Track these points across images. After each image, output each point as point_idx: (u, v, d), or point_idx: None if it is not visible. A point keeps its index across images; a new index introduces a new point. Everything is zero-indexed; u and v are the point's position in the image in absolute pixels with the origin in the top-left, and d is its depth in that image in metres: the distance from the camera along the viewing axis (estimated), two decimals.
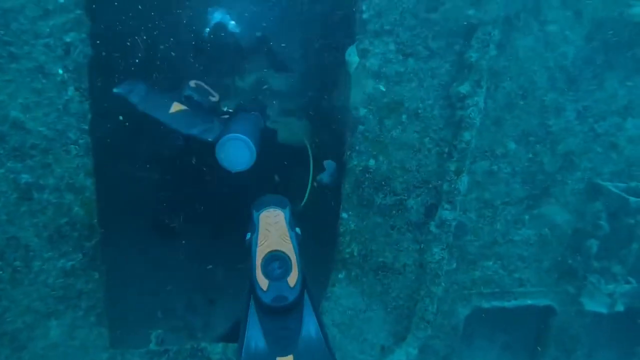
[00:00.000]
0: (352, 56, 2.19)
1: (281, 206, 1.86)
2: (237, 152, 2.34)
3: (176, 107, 2.56)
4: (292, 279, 1.73)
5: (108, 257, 2.46)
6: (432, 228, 2.44)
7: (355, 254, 2.59)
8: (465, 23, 2.14)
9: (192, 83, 2.78)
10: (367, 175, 2.41)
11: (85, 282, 2.29)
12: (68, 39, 1.98)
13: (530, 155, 2.48)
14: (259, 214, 1.83)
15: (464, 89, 2.17)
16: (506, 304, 2.76)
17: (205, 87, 2.85)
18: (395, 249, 2.59)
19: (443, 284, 2.54)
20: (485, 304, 2.75)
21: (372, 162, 2.38)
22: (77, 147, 2.11)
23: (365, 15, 2.13)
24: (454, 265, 2.62)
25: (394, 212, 2.50)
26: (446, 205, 2.38)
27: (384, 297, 2.65)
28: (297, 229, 1.84)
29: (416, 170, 2.42)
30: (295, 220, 1.87)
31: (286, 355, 1.67)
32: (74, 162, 2.12)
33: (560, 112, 2.41)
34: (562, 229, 2.65)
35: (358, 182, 2.42)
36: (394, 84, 2.24)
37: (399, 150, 2.37)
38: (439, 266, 2.50)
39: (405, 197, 2.47)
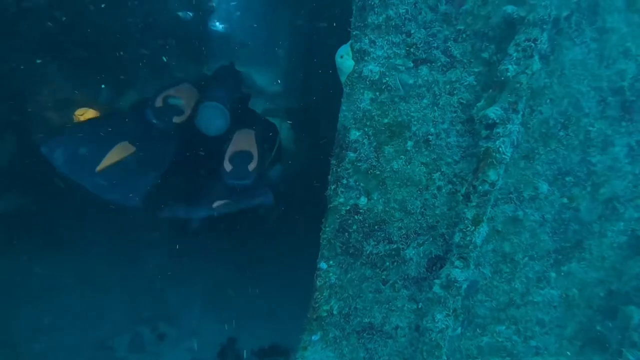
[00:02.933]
0: (344, 59, 1.59)
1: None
2: (213, 118, 2.61)
3: (112, 156, 2.42)
4: (252, 166, 2.53)
5: None
6: (437, 289, 1.88)
7: (334, 312, 2.02)
8: (502, 22, 1.56)
9: (158, 101, 2.66)
10: (355, 217, 1.82)
11: None
12: None
13: (565, 200, 1.93)
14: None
15: (494, 112, 1.59)
16: None
17: (174, 101, 2.69)
18: (386, 308, 2.03)
19: (445, 356, 1.99)
20: None
21: (363, 200, 1.79)
22: None
23: (365, 2, 1.54)
24: (459, 330, 2.07)
25: (387, 263, 1.93)
26: (457, 262, 1.81)
27: None
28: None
29: (420, 213, 1.84)
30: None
31: None
32: None
33: (607, 148, 1.86)
34: (593, 290, 2.13)
35: (343, 225, 1.84)
36: (399, 99, 1.66)
37: (400, 187, 1.79)
38: (442, 336, 1.94)
39: (403, 246, 1.90)
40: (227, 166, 2.69)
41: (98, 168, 2.38)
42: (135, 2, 6.81)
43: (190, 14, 8.28)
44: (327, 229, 1.83)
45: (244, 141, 2.80)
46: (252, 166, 2.72)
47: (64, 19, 5.39)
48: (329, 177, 1.76)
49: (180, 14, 8.28)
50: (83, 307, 3.03)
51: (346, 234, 1.85)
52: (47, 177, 4.29)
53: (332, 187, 1.76)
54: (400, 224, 1.86)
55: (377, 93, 1.64)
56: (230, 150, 2.75)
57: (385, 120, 1.67)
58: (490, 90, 1.61)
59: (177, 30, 7.88)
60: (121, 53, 5.65)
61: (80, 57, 5.85)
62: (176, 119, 2.66)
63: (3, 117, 4.29)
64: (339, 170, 1.72)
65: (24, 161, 4.42)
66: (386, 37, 1.58)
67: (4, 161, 4.30)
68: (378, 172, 1.75)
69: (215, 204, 2.59)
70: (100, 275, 3.29)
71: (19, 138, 4.42)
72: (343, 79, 1.61)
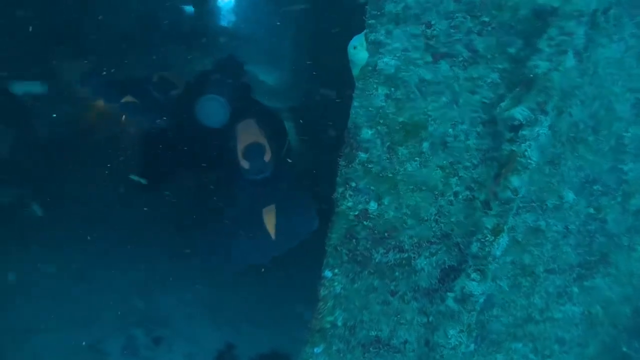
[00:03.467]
0: (357, 50, 1.46)
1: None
2: (212, 110, 2.67)
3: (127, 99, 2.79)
4: (267, 157, 2.51)
5: None
6: (450, 302, 1.74)
7: (339, 324, 1.88)
8: (532, 14, 1.42)
9: (155, 76, 2.87)
10: (364, 223, 1.69)
11: None
12: None
13: (592, 210, 1.78)
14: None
15: (521, 113, 1.45)
16: None
17: (169, 79, 2.87)
18: (395, 321, 1.89)
19: None
20: None
21: (373, 205, 1.66)
22: None
23: None
24: (472, 347, 1.93)
25: (397, 273, 1.79)
26: (473, 275, 1.67)
27: None
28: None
29: (434, 220, 1.70)
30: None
31: None
32: None
33: None
34: (619, 308, 1.98)
35: (351, 232, 1.70)
36: (415, 96, 1.52)
37: (413, 192, 1.65)
38: (454, 353, 1.80)
39: (415, 255, 1.76)
40: (244, 164, 2.70)
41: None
42: None
43: (194, 8, 8.25)
44: (334, 235, 1.69)
45: (250, 133, 2.80)
46: (267, 157, 2.75)
47: (69, 12, 5.32)
48: (337, 178, 1.63)
49: (184, 7, 8.22)
50: (74, 307, 2.92)
51: (354, 240, 1.72)
52: (46, 170, 4.24)
53: (340, 190, 1.62)
54: (412, 232, 1.72)
55: (392, 89, 1.50)
56: (240, 146, 2.75)
57: (400, 119, 1.54)
58: (517, 89, 1.47)
59: (180, 24, 7.81)
60: (124, 46, 5.58)
61: (82, 49, 5.78)
62: (173, 93, 2.83)
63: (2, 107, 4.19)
64: (348, 171, 1.59)
65: (25, 153, 4.33)
66: (404, 28, 1.44)
67: (4, 152, 4.21)
68: (390, 175, 1.61)
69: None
70: (93, 273, 3.20)
71: (19, 129, 4.33)
72: (355, 72, 1.48)
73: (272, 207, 2.80)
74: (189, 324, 3.13)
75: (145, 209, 3.03)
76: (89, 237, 3.61)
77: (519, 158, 1.47)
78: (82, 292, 3.08)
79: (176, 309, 3.34)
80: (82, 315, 2.92)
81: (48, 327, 2.73)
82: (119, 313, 3.09)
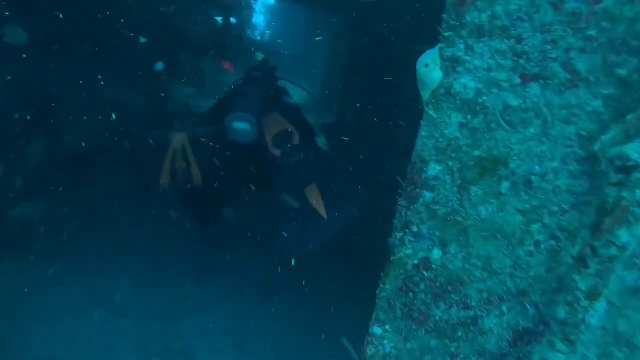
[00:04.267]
0: (430, 69, 1.19)
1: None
2: (240, 127, 2.69)
3: None
4: (295, 140, 2.71)
5: None
6: None
7: None
8: None
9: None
10: (425, 274, 1.41)
11: None
12: None
13: None
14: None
15: (635, 150, 1.15)
16: None
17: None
18: None
19: None
20: None
21: (437, 253, 1.38)
22: None
23: None
24: None
25: (460, 333, 1.50)
26: (559, 345, 1.36)
27: None
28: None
29: (509, 274, 1.41)
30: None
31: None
32: None
33: None
34: None
35: (408, 283, 1.43)
36: (497, 126, 1.24)
37: (486, 240, 1.36)
38: None
39: (483, 314, 1.47)
40: (276, 152, 2.83)
41: None
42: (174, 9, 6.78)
43: (229, 21, 8.28)
44: (387, 286, 1.42)
45: (276, 124, 2.91)
46: (295, 140, 2.89)
47: (105, 19, 5.30)
48: (395, 221, 1.36)
49: (218, 19, 8.25)
50: (91, 331, 2.74)
51: (411, 294, 1.44)
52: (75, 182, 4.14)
53: (399, 235, 1.35)
54: (481, 286, 1.43)
55: (470, 116, 1.23)
56: (269, 137, 2.87)
57: (477, 153, 1.26)
58: (631, 119, 1.17)
59: (215, 37, 7.81)
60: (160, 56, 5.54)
61: (118, 57, 5.75)
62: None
63: (33, 118, 4.14)
64: (409, 214, 1.32)
65: (54, 164, 4.27)
66: (488, 43, 1.17)
67: (34, 162, 4.14)
68: (460, 219, 1.33)
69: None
70: (112, 296, 3.03)
71: (49, 140, 4.27)
72: (426, 95, 1.21)
73: (313, 185, 2.83)
74: (212, 356, 2.90)
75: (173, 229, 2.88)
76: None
77: (631, 208, 1.17)
78: (101, 318, 2.91)
79: (199, 337, 3.12)
80: (101, 342, 2.74)
81: (66, 355, 2.56)
82: (139, 340, 2.89)
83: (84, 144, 4.68)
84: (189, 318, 3.22)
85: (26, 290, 2.99)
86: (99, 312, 2.87)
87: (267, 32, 14.38)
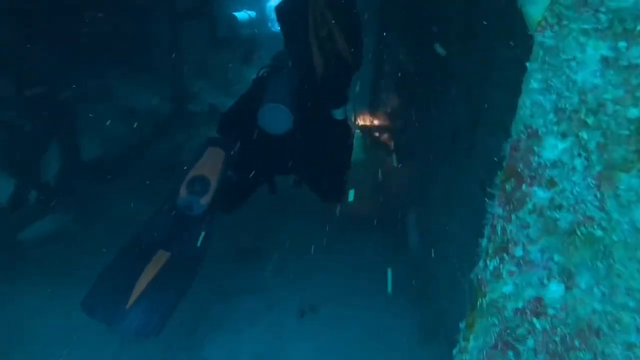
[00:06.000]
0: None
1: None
2: (275, 119, 2.59)
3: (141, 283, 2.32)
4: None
5: None
6: None
7: None
8: None
9: (183, 192, 2.46)
10: (534, 322, 0.86)
11: None
12: None
13: None
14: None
15: None
16: None
17: (198, 189, 2.49)
18: None
19: None
20: None
21: (556, 289, 0.82)
22: None
23: None
24: None
25: None
26: None
27: None
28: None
29: None
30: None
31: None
32: None
33: None
34: None
35: (507, 337, 0.87)
36: None
37: None
38: None
39: None
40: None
41: (127, 305, 2.27)
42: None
43: (248, 15, 7.97)
44: (473, 343, 0.89)
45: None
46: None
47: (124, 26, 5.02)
48: (482, 241, 0.82)
49: (237, 14, 7.92)
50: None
51: (510, 352, 0.89)
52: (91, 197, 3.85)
53: (490, 262, 0.81)
54: (632, 339, 0.86)
55: (622, 44, 0.67)
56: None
57: (634, 114, 0.70)
58: None
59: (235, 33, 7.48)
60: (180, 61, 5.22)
61: (140, 64, 5.48)
62: (203, 200, 2.45)
63: (50, 128, 3.88)
64: (508, 227, 0.78)
65: (71, 176, 4.01)
66: None
67: (49, 176, 3.88)
68: (599, 233, 0.77)
69: None
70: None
71: (67, 151, 4.00)
72: (535, 10, 0.67)
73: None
74: None
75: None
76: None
77: None
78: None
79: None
80: None
81: None
82: None
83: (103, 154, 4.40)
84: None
85: (44, 314, 2.72)
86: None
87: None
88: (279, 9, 2.59)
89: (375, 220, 4.18)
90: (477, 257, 0.82)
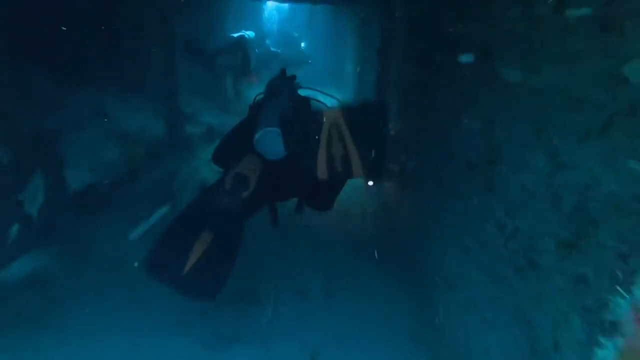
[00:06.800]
0: None
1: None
2: (268, 144, 2.61)
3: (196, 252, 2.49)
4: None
5: None
6: None
7: None
8: None
9: (228, 183, 2.64)
10: None
11: None
12: None
13: None
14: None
15: None
16: None
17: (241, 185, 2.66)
18: None
19: None
20: None
21: None
22: None
23: None
24: None
25: None
26: None
27: None
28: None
29: None
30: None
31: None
32: None
33: None
34: None
35: None
36: None
37: None
38: None
39: None
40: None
41: (185, 269, 2.39)
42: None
43: (251, 34, 7.86)
44: None
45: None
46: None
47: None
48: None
49: (241, 33, 7.79)
50: None
51: None
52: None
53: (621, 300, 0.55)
54: None
55: None
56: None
57: None
58: None
59: (239, 49, 7.32)
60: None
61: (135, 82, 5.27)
62: (244, 194, 2.61)
63: (35, 156, 3.63)
64: None
65: (56, 209, 3.75)
66: None
67: (33, 210, 3.62)
68: None
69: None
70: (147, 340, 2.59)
71: (52, 181, 3.74)
72: None
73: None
74: None
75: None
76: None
77: None
78: None
79: None
80: None
81: None
82: None
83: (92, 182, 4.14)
84: None
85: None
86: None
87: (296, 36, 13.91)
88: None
89: (377, 253, 3.94)
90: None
